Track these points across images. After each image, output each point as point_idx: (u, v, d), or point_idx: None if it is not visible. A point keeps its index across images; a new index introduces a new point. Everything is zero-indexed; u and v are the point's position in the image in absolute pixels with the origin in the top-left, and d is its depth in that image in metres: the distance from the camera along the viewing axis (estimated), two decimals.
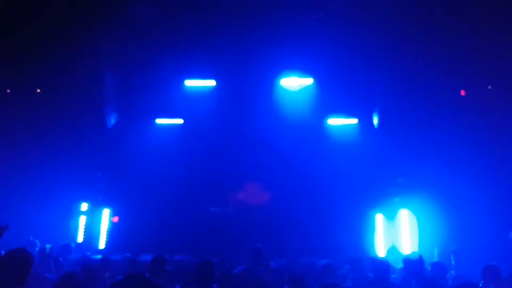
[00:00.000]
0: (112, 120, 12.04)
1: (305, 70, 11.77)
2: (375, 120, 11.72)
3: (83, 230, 12.17)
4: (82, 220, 12.24)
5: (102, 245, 12.38)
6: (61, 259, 6.81)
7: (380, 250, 11.51)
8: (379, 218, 11.96)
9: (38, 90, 11.07)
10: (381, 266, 5.45)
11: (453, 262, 7.89)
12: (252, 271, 5.77)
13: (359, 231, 11.95)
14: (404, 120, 10.96)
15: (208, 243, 12.34)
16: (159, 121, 13.08)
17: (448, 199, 10.05)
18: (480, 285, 4.75)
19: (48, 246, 6.22)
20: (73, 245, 7.90)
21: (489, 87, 10.90)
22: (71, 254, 7.59)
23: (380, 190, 11.81)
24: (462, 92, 10.78)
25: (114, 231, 12.62)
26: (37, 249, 7.04)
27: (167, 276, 5.12)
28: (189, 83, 12.38)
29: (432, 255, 9.35)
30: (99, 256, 8.19)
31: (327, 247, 11.47)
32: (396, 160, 11.17)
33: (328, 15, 9.89)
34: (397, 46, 10.27)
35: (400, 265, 6.51)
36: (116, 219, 12.88)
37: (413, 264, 5.45)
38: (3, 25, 9.35)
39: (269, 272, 6.16)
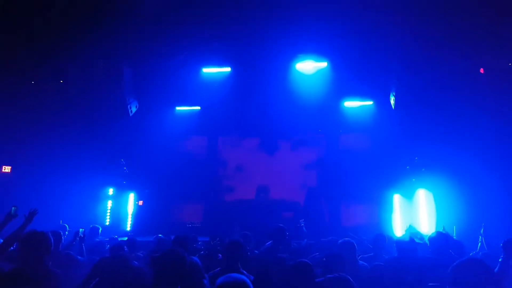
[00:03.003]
0: (133, 108, 12.39)
1: (319, 54, 11.74)
2: (392, 101, 11.66)
3: (110, 213, 12.71)
4: (109, 204, 12.80)
5: (128, 227, 12.95)
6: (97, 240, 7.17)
7: (398, 229, 11.62)
8: (396, 198, 12.03)
9: (61, 81, 11.43)
10: (407, 246, 5.58)
11: (479, 244, 7.81)
12: (273, 250, 5.95)
13: (377, 212, 12.08)
14: (421, 100, 10.85)
15: (228, 224, 12.73)
16: (179, 108, 13.44)
17: (464, 178, 9.99)
18: (500, 259, 4.78)
19: (81, 230, 6.52)
20: (100, 228, 8.29)
21: (510, 64, 10.63)
22: (98, 237, 8.00)
23: (398, 170, 11.85)
24: (481, 70, 10.55)
25: (139, 214, 13.17)
26: (66, 232, 7.46)
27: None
28: (206, 70, 12.57)
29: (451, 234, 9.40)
30: (125, 238, 8.63)
31: (345, 228, 11.66)
32: (413, 140, 11.15)
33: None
34: (412, 25, 10.09)
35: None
36: (141, 202, 13.40)
37: (439, 242, 5.52)
38: (27, 19, 9.65)
39: (289, 251, 6.32)
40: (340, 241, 5.63)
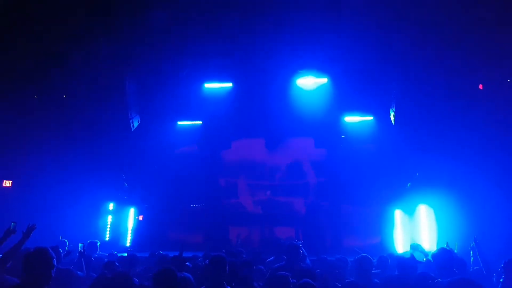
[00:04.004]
0: (135, 123, 12.44)
1: (320, 69, 11.85)
2: (392, 117, 11.70)
3: (110, 228, 12.63)
4: (109, 219, 12.70)
5: (128, 242, 12.86)
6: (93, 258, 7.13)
7: (400, 245, 11.53)
8: (398, 214, 11.96)
9: (64, 96, 11.51)
10: (408, 263, 5.52)
11: (472, 258, 7.76)
12: (287, 269, 5.80)
13: (379, 227, 12.01)
14: (421, 116, 10.90)
15: (230, 239, 12.67)
16: (180, 123, 13.50)
17: (466, 193, 9.95)
18: (501, 280, 4.73)
19: (80, 245, 6.49)
20: (98, 243, 8.22)
21: (509, 80, 10.69)
22: (97, 252, 7.92)
23: (398, 186, 11.82)
24: (480, 86, 10.61)
25: (139, 229, 13.10)
26: (66, 248, 7.39)
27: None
28: (208, 86, 12.68)
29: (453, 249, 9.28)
30: (125, 254, 8.56)
31: (346, 244, 11.59)
32: (414, 155, 11.15)
33: (342, 14, 9.92)
34: (412, 41, 10.20)
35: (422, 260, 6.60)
36: (141, 217, 13.34)
37: (442, 258, 5.44)
38: (30, 37, 9.78)
39: (303, 269, 6.15)
40: (357, 256, 5.54)
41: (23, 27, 9.60)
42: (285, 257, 6.00)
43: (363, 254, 5.48)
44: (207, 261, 7.29)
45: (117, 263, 5.51)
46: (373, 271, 5.87)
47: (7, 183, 11.43)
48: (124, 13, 9.89)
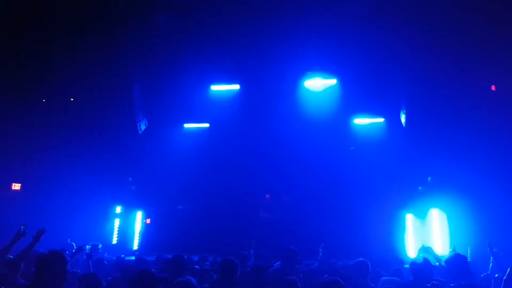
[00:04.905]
0: (142, 126, 12.42)
1: (329, 71, 11.74)
2: (403, 119, 11.54)
3: (118, 232, 12.59)
4: (117, 223, 12.66)
5: (136, 246, 12.82)
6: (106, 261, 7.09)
7: (411, 250, 11.33)
8: (409, 218, 11.77)
9: (72, 99, 11.54)
10: (422, 268, 5.39)
11: (491, 264, 7.55)
12: (284, 272, 5.75)
13: (390, 232, 11.83)
14: (432, 118, 10.74)
15: (236, 243, 12.54)
16: (187, 125, 13.46)
17: (478, 197, 9.75)
18: None
19: (88, 247, 6.51)
20: (100, 245, 8.19)
21: None
22: (98, 255, 7.88)
23: (410, 189, 11.63)
24: (493, 87, 10.42)
25: (147, 232, 13.05)
26: (73, 251, 7.37)
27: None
28: (215, 88, 12.63)
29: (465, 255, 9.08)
30: (132, 258, 8.50)
31: (357, 249, 11.40)
32: (425, 158, 10.97)
33: (351, 15, 9.82)
34: (423, 42, 10.07)
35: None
36: (148, 221, 13.31)
37: (456, 263, 5.30)
38: (39, 44, 9.82)
39: (299, 273, 6.11)
40: (355, 260, 5.44)
41: (30, 32, 9.65)
42: (283, 260, 6.00)
43: (360, 259, 5.39)
44: (207, 263, 7.24)
45: (131, 266, 5.48)
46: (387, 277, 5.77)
47: (16, 186, 11.46)
48: (131, 16, 9.89)
